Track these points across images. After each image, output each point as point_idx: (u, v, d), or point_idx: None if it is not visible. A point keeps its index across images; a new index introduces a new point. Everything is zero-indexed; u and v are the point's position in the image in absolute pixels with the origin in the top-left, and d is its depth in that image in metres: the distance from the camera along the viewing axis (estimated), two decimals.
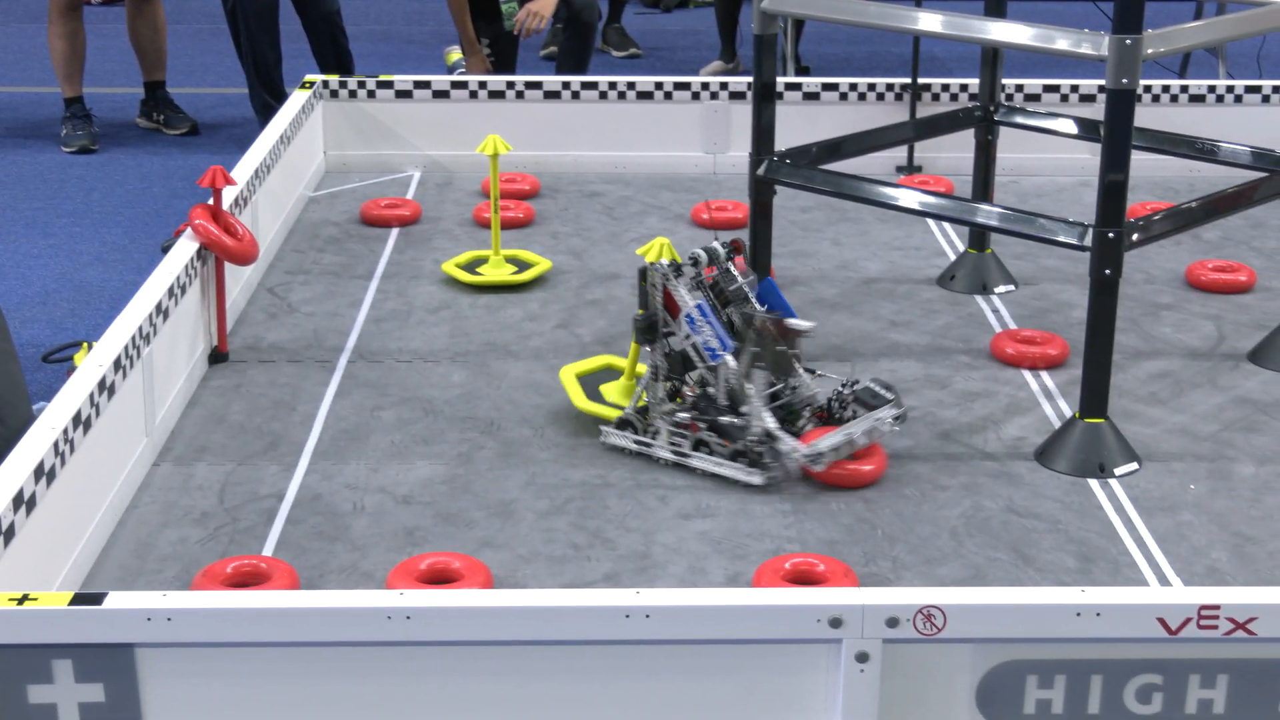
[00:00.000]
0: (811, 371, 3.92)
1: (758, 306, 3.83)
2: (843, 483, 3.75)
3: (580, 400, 4.05)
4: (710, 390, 3.78)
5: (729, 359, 3.73)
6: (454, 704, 2.72)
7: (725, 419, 3.75)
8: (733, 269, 3.87)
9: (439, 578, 3.28)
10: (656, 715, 2.74)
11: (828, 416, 3.87)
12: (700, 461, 3.78)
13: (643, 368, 3.98)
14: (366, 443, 3.98)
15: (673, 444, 3.82)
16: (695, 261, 3.83)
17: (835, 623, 2.67)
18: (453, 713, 2.73)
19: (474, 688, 2.71)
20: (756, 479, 3.72)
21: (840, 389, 3.88)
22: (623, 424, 3.90)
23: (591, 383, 4.15)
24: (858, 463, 3.75)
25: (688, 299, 3.77)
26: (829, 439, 3.69)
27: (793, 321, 3.76)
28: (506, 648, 2.69)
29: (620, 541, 3.52)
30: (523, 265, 5.10)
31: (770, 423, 3.71)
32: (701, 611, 2.69)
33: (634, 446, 3.88)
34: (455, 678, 2.71)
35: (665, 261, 3.80)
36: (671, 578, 3.39)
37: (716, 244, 3.87)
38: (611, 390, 4.10)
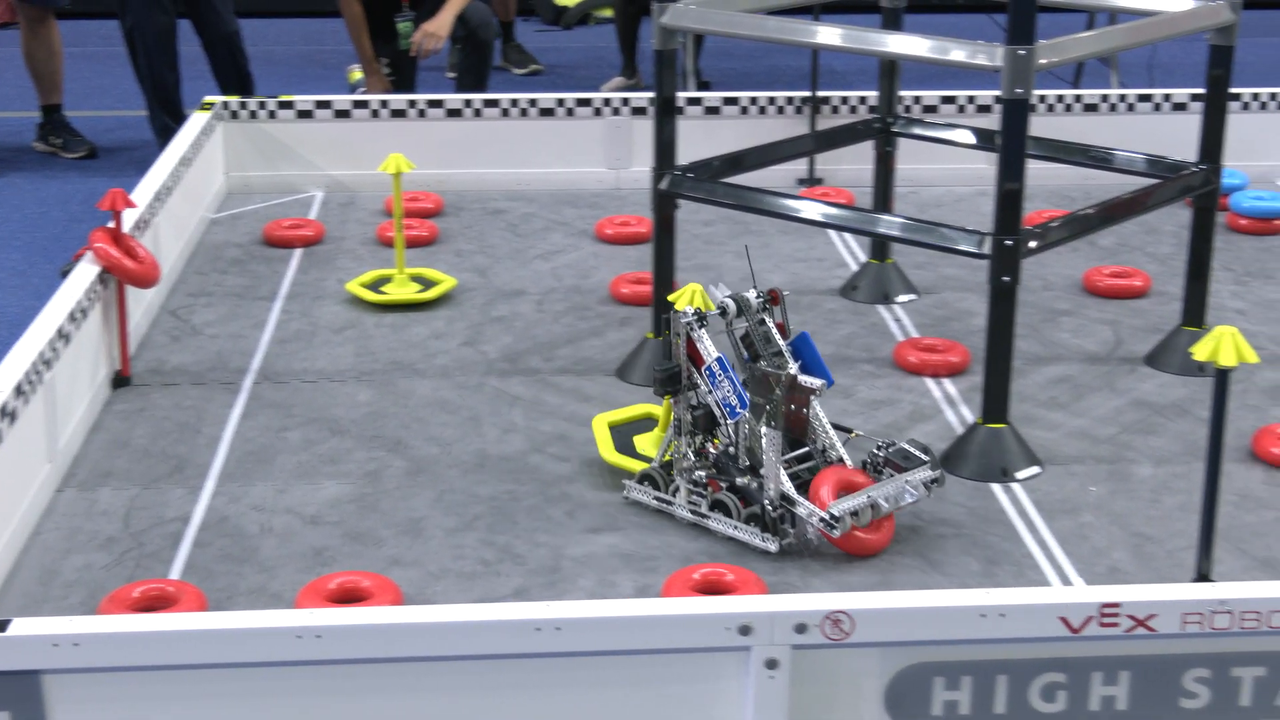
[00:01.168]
0: (847, 431, 3.72)
1: (790, 361, 3.65)
2: (850, 550, 3.53)
3: (608, 451, 3.88)
4: (732, 449, 3.58)
5: (747, 416, 3.52)
6: None
7: (743, 480, 3.55)
8: (768, 320, 3.69)
9: (349, 597, 3.28)
10: None
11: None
12: (716, 524, 3.57)
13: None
14: (273, 464, 3.97)
15: (691, 503, 3.63)
16: (724, 311, 3.65)
17: (744, 630, 2.69)
18: None
19: (386, 705, 2.71)
20: (771, 546, 3.50)
21: (875, 450, 3.65)
22: (644, 478, 3.71)
23: (626, 433, 3.99)
24: (864, 530, 3.51)
25: (710, 351, 3.57)
26: (848, 501, 3.46)
27: (803, 379, 3.47)
28: (418, 664, 2.69)
29: (530, 556, 3.53)
30: (427, 283, 5.10)
31: (786, 486, 3.49)
32: (611, 623, 2.71)
33: (654, 504, 3.70)
34: (367, 696, 2.70)
35: (691, 309, 3.60)
36: (581, 591, 3.40)
37: (751, 293, 3.68)
38: (645, 441, 3.93)
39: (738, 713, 2.75)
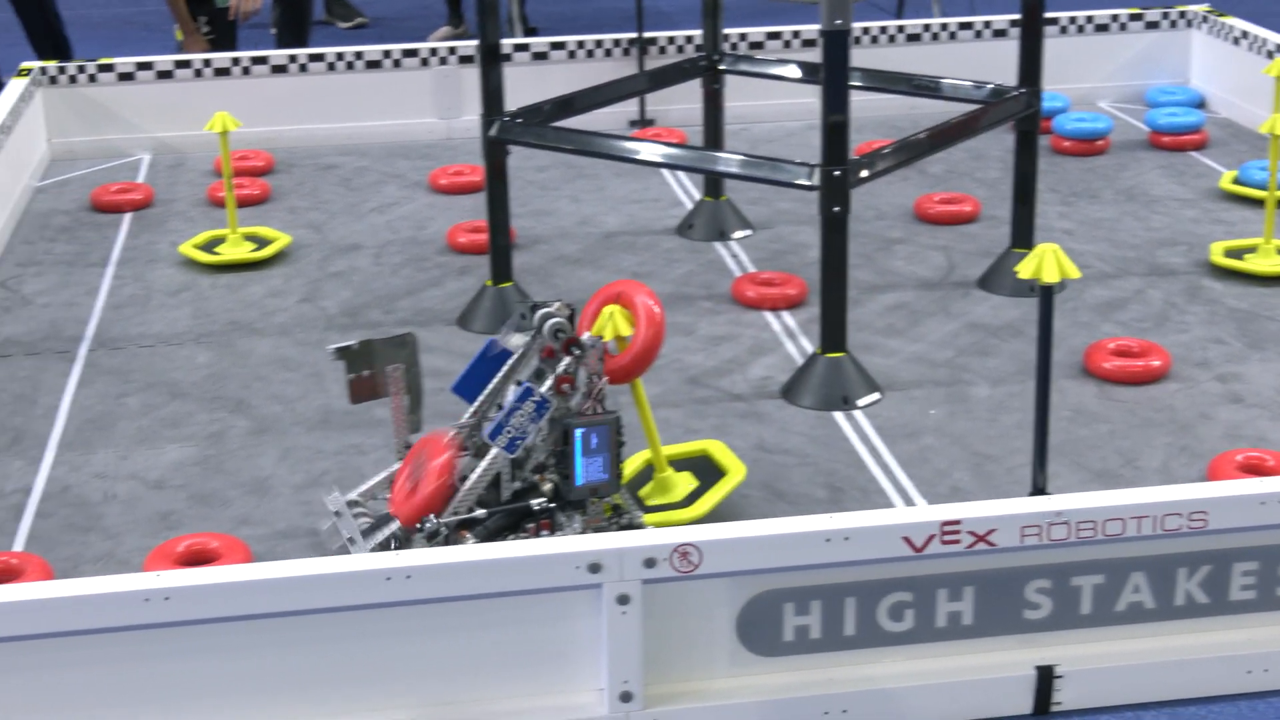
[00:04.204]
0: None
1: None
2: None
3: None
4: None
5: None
6: (220, 681, 2.71)
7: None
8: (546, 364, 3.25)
9: (198, 559, 3.25)
10: (425, 674, 2.76)
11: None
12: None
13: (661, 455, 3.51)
14: (114, 430, 3.92)
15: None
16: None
17: (594, 568, 2.71)
18: (218, 690, 2.71)
19: (241, 664, 2.70)
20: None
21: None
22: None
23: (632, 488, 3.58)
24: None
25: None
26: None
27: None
28: (270, 620, 2.68)
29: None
30: (262, 242, 5.05)
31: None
32: (462, 568, 2.72)
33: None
34: (220, 655, 2.69)
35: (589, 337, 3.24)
36: None
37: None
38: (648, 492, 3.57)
39: (593, 650, 2.78)
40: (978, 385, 4.05)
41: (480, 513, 3.07)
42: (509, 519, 3.10)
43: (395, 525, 3.06)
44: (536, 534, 3.08)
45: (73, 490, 3.64)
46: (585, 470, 3.11)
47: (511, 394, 3.12)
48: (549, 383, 3.12)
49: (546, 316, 3.18)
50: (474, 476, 3.09)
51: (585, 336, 3.18)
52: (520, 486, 3.15)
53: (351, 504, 3.19)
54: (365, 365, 3.26)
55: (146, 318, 4.60)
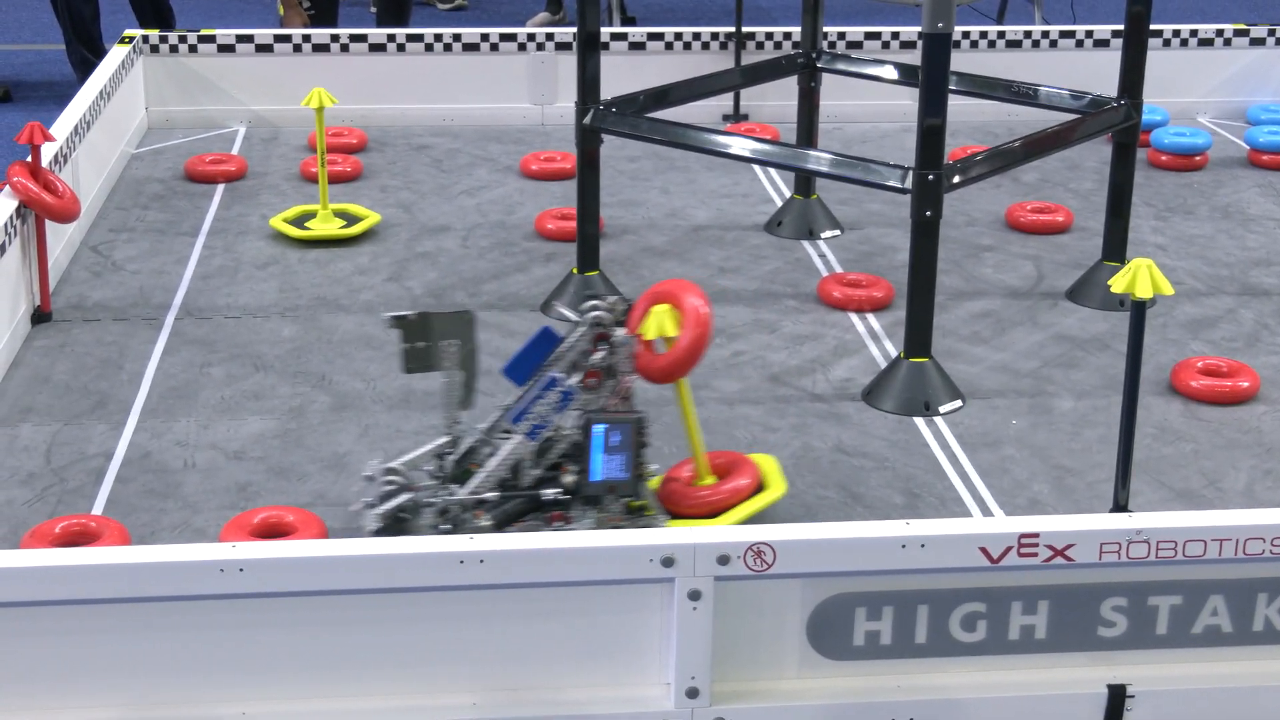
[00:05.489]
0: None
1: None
2: None
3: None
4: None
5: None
6: (288, 655, 2.71)
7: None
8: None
9: (272, 532, 3.27)
10: (492, 659, 2.76)
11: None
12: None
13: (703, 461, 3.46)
14: (196, 399, 3.95)
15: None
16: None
17: (667, 562, 2.70)
18: (287, 664, 2.72)
19: (309, 638, 2.71)
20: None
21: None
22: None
23: None
24: None
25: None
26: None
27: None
28: (341, 597, 2.69)
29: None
30: (351, 219, 5.07)
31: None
32: (535, 555, 2.71)
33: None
34: (290, 629, 2.70)
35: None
36: None
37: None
38: None
39: (662, 644, 2.77)
40: (1062, 397, 4.01)
41: (492, 495, 3.11)
42: (523, 505, 3.13)
43: (407, 498, 3.11)
44: (550, 524, 3.11)
45: (153, 457, 3.67)
46: (604, 467, 3.12)
47: (539, 382, 3.16)
48: (578, 375, 3.14)
49: (591, 309, 3.21)
50: (495, 459, 3.14)
51: (618, 333, 3.19)
52: (541, 475, 3.18)
53: (390, 471, 3.22)
54: (421, 337, 3.29)
55: (234, 289, 4.63)
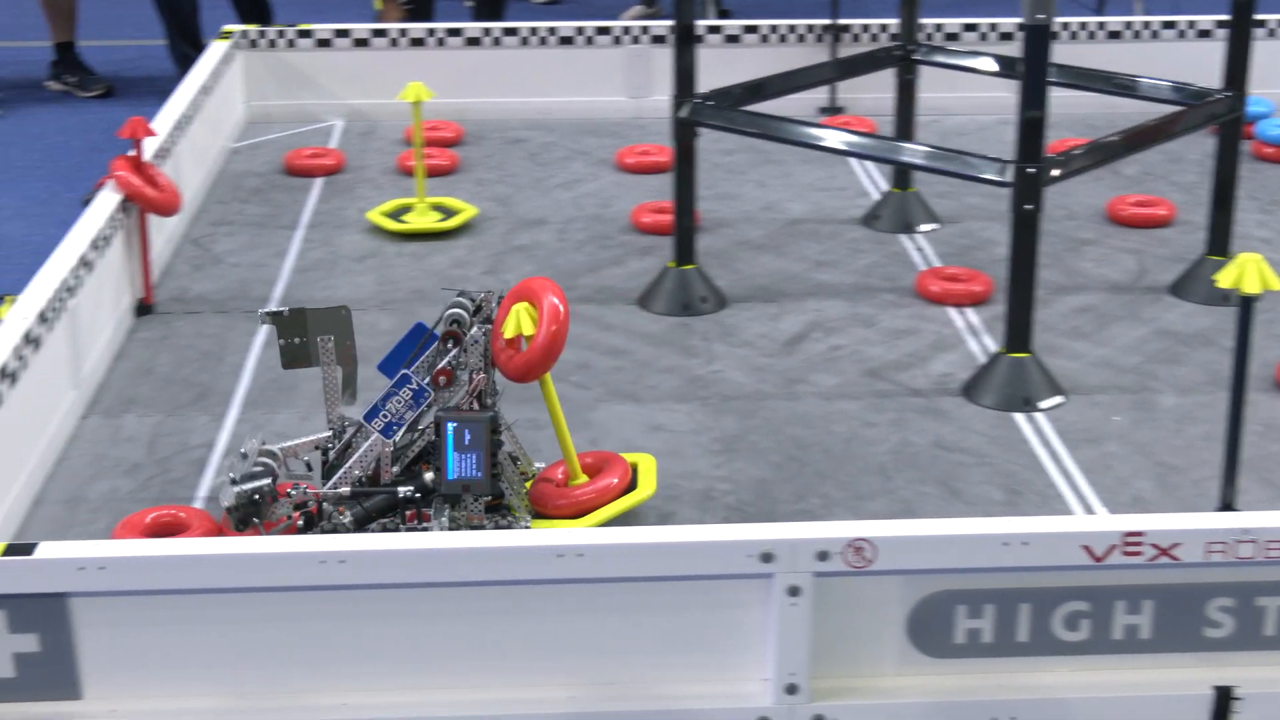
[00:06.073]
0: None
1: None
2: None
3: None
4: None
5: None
6: (387, 647, 2.73)
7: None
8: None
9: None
10: (590, 653, 2.76)
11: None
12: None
13: (574, 461, 3.43)
14: (296, 391, 3.97)
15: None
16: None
17: (766, 557, 2.69)
18: (386, 656, 2.73)
19: (408, 630, 2.72)
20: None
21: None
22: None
23: None
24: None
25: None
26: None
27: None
28: (441, 589, 2.70)
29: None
30: (448, 212, 5.09)
31: None
32: (633, 549, 2.71)
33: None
34: (389, 621, 2.71)
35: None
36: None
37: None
38: None
39: (760, 640, 2.76)
40: (1165, 394, 3.96)
41: (345, 490, 3.13)
42: (383, 502, 3.15)
43: (266, 483, 3.12)
44: (408, 522, 3.11)
45: (258, 434, 3.70)
46: (457, 465, 3.11)
47: (394, 380, 3.18)
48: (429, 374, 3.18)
49: (452, 305, 3.22)
50: (354, 457, 3.16)
51: (472, 331, 3.19)
52: (399, 473, 3.20)
53: (266, 453, 3.24)
54: (297, 333, 3.30)
55: (332, 281, 4.66)
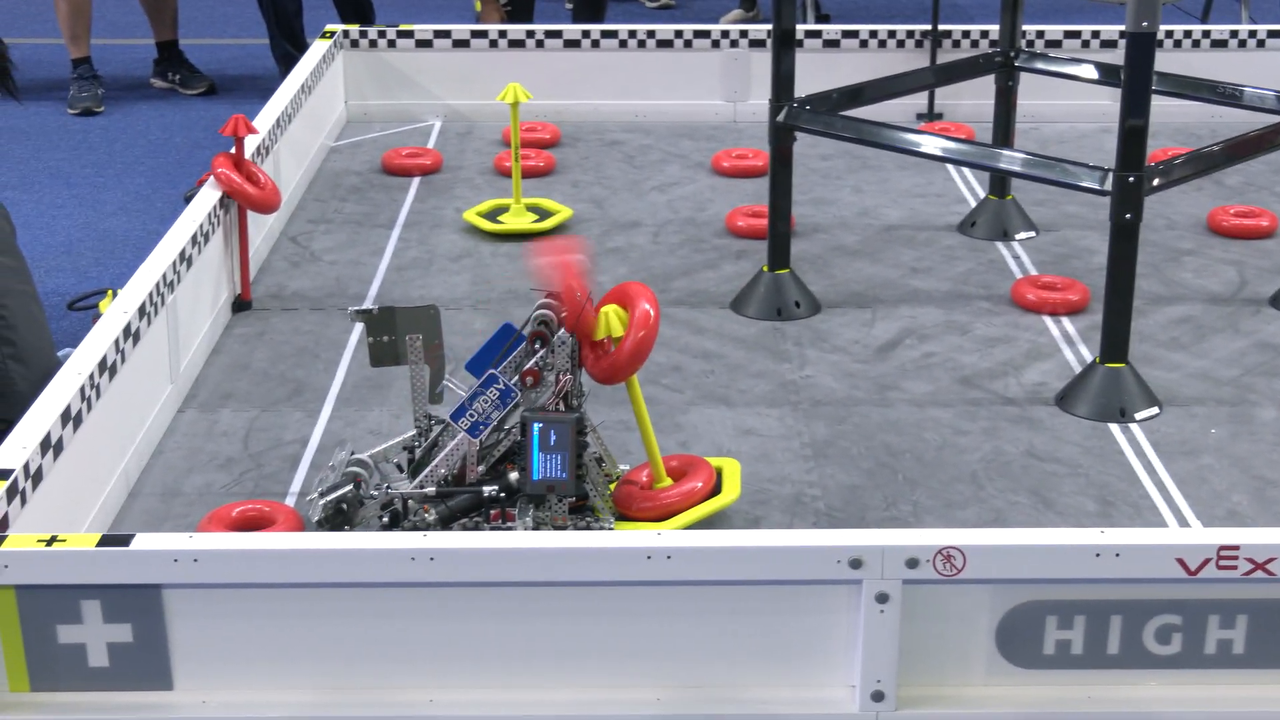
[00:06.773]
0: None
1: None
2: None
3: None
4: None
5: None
6: (476, 645, 2.74)
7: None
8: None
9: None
10: (677, 655, 2.76)
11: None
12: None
13: (659, 464, 3.42)
14: (390, 389, 4.00)
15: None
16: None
17: (855, 564, 2.68)
18: (474, 654, 2.75)
19: (496, 629, 2.74)
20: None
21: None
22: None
23: None
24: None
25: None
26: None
27: None
28: (529, 589, 2.71)
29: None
30: (544, 214, 5.11)
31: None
32: (721, 552, 2.71)
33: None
34: (478, 619, 2.73)
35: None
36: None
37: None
38: None
39: (848, 647, 2.75)
40: (1264, 407, 3.91)
41: (430, 489, 3.16)
42: (468, 501, 3.16)
43: (349, 489, 3.16)
44: (492, 521, 3.12)
45: (347, 446, 3.73)
46: (542, 466, 3.11)
47: (481, 379, 3.19)
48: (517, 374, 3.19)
49: (540, 306, 3.23)
50: (440, 455, 3.18)
51: (560, 332, 3.20)
52: (485, 472, 3.22)
53: (356, 462, 3.28)
54: (386, 331, 3.33)
55: (428, 280, 4.69)
